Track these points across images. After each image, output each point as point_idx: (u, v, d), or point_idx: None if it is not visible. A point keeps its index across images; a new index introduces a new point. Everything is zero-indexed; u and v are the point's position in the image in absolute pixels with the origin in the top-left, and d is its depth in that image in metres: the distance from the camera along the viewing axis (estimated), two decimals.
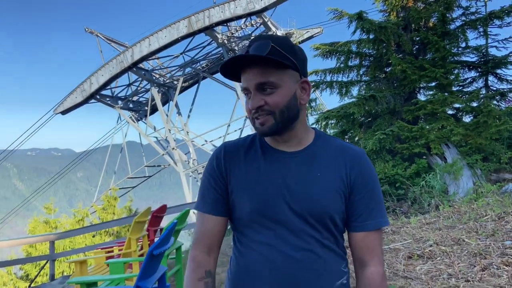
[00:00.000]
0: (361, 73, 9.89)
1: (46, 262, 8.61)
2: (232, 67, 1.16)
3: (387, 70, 9.41)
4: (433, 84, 8.83)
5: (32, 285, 13.62)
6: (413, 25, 9.09)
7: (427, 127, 7.94)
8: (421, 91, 9.38)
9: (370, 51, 9.42)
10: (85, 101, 26.45)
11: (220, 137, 29.82)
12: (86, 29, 28.20)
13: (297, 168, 1.18)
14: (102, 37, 28.01)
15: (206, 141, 29.52)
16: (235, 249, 1.26)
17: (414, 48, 9.24)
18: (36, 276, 13.93)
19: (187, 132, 29.60)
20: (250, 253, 1.19)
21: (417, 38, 8.99)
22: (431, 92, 9.03)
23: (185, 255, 5.10)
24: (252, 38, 1.18)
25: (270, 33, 23.91)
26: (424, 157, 7.90)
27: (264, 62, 1.10)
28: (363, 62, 9.66)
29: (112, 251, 4.82)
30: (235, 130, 29.47)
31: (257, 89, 1.12)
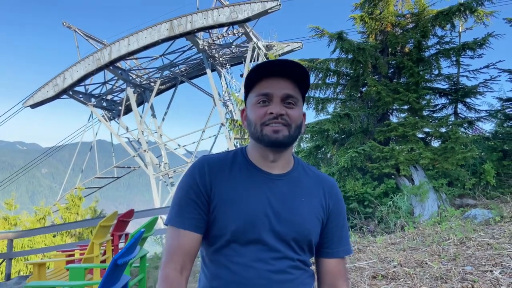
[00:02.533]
0: (337, 91, 10.06)
1: (3, 261, 8.24)
2: (261, 70, 1.17)
3: (363, 90, 9.61)
4: (406, 107, 9.08)
5: None
6: (390, 49, 9.36)
7: (397, 148, 8.13)
8: (393, 113, 9.62)
9: (348, 70, 9.62)
10: (57, 96, 25.75)
11: (193, 142, 29.60)
12: (64, 23, 27.55)
13: (283, 191, 1.20)
14: (80, 33, 27.42)
15: (179, 145, 29.21)
16: (206, 268, 1.22)
17: (390, 71, 9.50)
18: None
19: (161, 135, 29.22)
20: (226, 273, 1.16)
21: (393, 62, 9.25)
22: (403, 115, 9.27)
23: (150, 264, 5.00)
24: (279, 57, 1.24)
25: (251, 43, 24.16)
26: (393, 177, 8.09)
27: (298, 77, 1.17)
28: (340, 81, 9.84)
29: (73, 255, 4.67)
30: (209, 137, 29.31)
31: (282, 99, 1.16)
